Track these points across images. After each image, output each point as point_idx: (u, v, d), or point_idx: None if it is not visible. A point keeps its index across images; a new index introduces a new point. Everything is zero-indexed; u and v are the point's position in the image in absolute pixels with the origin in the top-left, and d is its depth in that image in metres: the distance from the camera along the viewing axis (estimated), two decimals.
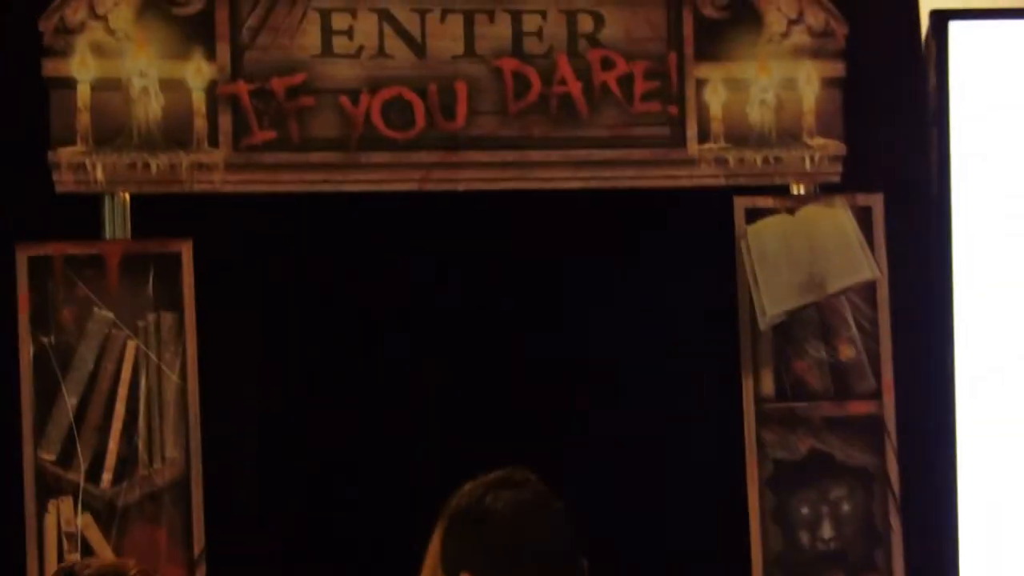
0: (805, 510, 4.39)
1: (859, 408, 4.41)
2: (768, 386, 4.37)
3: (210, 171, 4.15)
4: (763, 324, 4.34)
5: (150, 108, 4.11)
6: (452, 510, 2.59)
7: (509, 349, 4.29)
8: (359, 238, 4.24)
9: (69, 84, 4.08)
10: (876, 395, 4.41)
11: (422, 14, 4.26)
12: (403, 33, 4.25)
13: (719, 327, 4.35)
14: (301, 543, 4.21)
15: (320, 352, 4.22)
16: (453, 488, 2.64)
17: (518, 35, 4.30)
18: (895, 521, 4.39)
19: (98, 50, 4.10)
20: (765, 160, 4.41)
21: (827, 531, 4.39)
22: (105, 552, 4.00)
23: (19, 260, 4.05)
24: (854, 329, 4.41)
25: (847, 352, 4.41)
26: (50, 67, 4.08)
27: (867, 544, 4.39)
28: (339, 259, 4.23)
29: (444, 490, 2.65)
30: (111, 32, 4.11)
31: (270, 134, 4.19)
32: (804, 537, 4.38)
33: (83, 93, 4.07)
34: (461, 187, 4.26)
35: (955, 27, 4.35)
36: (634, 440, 4.31)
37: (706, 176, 4.37)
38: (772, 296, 4.32)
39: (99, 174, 4.10)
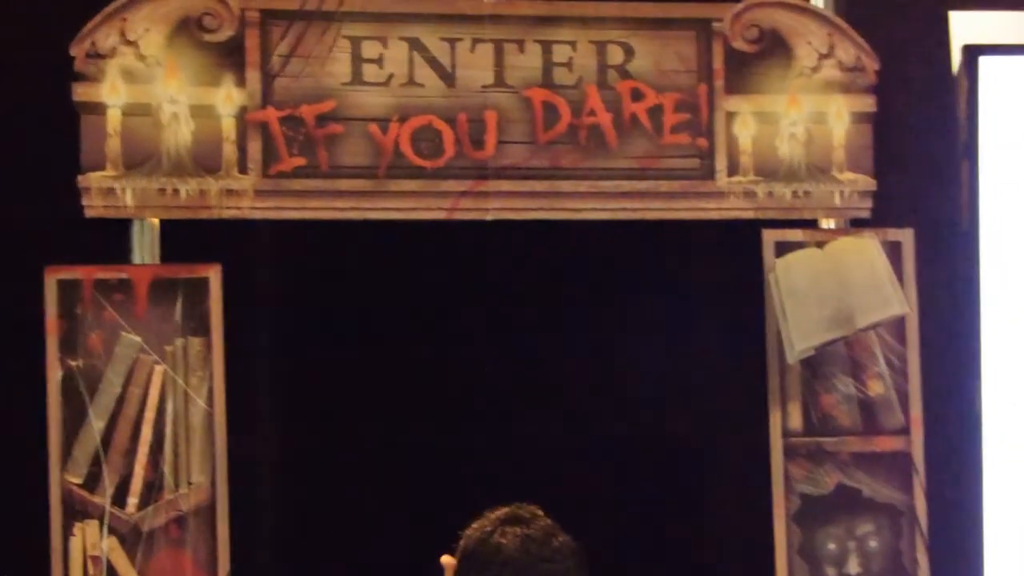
0: (832, 545, 4.36)
1: (887, 444, 4.38)
2: (796, 420, 4.35)
3: (239, 197, 4.17)
4: (791, 358, 4.32)
5: (180, 134, 4.14)
6: (461, 550, 2.63)
7: (536, 379, 4.29)
8: (387, 266, 4.25)
9: (100, 109, 4.11)
10: (904, 431, 4.39)
11: (452, 43, 4.28)
12: (433, 62, 4.27)
13: (747, 361, 4.34)
14: (325, 568, 4.21)
15: (347, 378, 4.22)
16: (475, 514, 2.66)
17: (548, 65, 4.32)
18: (922, 558, 4.36)
19: (129, 76, 4.13)
20: (794, 194, 4.40)
21: (854, 567, 4.36)
22: None
23: (48, 283, 4.07)
24: (883, 364, 4.40)
25: (875, 387, 4.39)
26: (81, 92, 4.10)
27: None
28: (366, 286, 4.24)
29: (468, 516, 2.66)
30: (142, 58, 4.13)
31: (299, 161, 4.21)
32: (830, 573, 4.36)
33: (113, 118, 4.10)
34: (489, 216, 4.26)
35: (986, 62, 4.35)
36: (660, 472, 4.30)
37: (735, 209, 4.37)
38: (800, 330, 4.31)
39: (129, 199, 4.12)
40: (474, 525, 2.66)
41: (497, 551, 2.60)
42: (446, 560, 2.67)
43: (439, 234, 4.26)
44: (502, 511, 2.67)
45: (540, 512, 2.66)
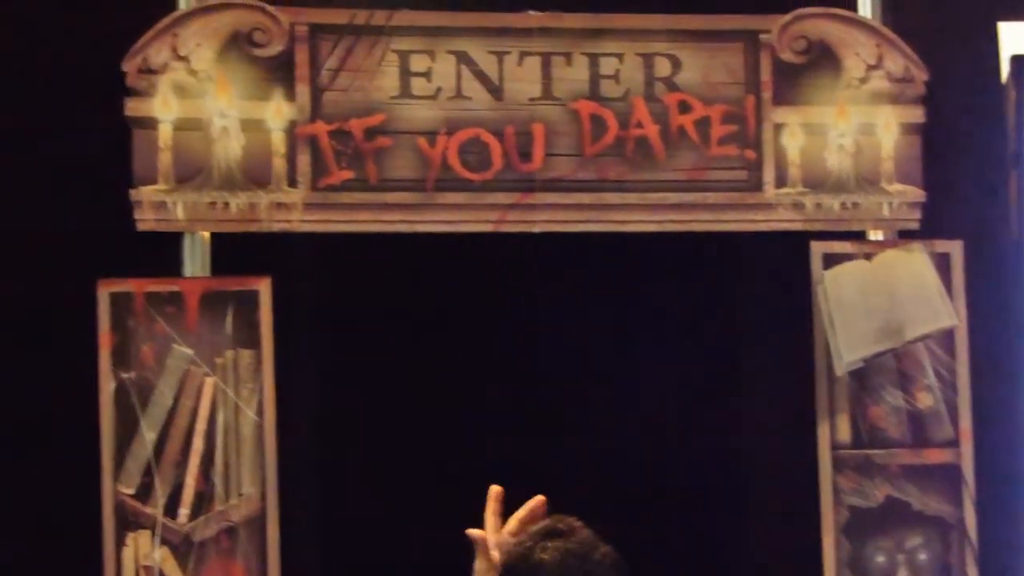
0: (881, 558, 4.35)
1: (936, 456, 4.37)
2: (844, 432, 4.34)
3: (288, 210, 4.20)
4: (840, 370, 4.32)
5: (230, 148, 4.18)
6: (502, 565, 2.64)
7: (584, 392, 4.30)
8: (434, 278, 4.28)
9: (151, 124, 4.15)
10: (953, 443, 4.37)
11: (500, 56, 4.30)
12: (481, 75, 4.29)
13: (795, 373, 4.34)
14: None
15: (395, 390, 4.25)
16: None
17: (595, 78, 4.33)
18: (972, 571, 4.34)
19: (180, 90, 4.17)
20: (843, 205, 4.40)
21: None
22: None
23: (101, 296, 4.11)
24: (932, 377, 4.38)
25: (924, 400, 4.38)
26: (133, 107, 4.15)
27: None
28: (414, 298, 4.26)
29: None
30: (193, 73, 4.18)
31: (348, 174, 4.24)
32: None
33: (165, 133, 4.14)
34: (537, 228, 4.28)
35: None
36: (707, 485, 4.30)
37: (783, 221, 4.37)
38: (849, 342, 4.30)
39: (180, 212, 4.16)
40: (514, 541, 2.67)
41: (538, 567, 2.60)
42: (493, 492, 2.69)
43: (486, 246, 4.27)
44: (541, 524, 2.68)
45: (580, 524, 2.66)
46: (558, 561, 2.60)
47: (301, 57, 4.24)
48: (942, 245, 4.39)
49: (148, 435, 4.10)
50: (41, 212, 4.14)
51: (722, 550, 4.32)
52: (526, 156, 4.28)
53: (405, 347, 4.28)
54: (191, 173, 4.16)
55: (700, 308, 4.37)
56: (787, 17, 4.38)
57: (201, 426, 4.12)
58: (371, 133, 4.24)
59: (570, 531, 2.65)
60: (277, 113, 4.21)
